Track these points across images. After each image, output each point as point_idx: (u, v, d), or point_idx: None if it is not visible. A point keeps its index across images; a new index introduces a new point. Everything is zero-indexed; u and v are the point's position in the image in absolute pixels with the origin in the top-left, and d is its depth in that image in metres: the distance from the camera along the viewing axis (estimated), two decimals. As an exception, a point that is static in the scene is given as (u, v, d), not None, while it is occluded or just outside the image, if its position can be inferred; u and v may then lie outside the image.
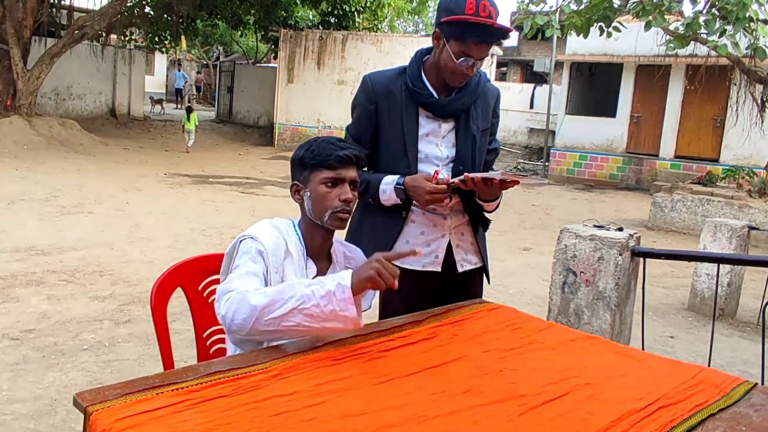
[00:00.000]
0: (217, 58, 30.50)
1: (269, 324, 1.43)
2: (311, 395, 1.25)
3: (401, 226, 2.05)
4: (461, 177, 1.90)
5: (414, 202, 2.01)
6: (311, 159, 1.70)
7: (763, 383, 2.29)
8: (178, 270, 1.89)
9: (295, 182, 1.75)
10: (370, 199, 2.03)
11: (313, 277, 1.71)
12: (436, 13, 2.00)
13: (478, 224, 2.14)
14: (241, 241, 1.65)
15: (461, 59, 1.91)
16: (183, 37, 18.51)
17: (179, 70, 28.18)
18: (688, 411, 1.34)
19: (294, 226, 1.75)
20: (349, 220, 1.78)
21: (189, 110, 14.65)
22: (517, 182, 1.87)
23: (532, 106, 19.65)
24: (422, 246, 2.05)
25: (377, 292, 1.91)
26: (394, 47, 15.99)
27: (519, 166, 16.33)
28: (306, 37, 16.63)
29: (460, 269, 2.10)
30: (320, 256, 1.75)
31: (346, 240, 2.03)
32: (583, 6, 8.27)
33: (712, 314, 4.31)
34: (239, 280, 1.53)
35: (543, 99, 17.85)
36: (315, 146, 1.71)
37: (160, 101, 23.36)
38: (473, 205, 2.09)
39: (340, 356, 1.45)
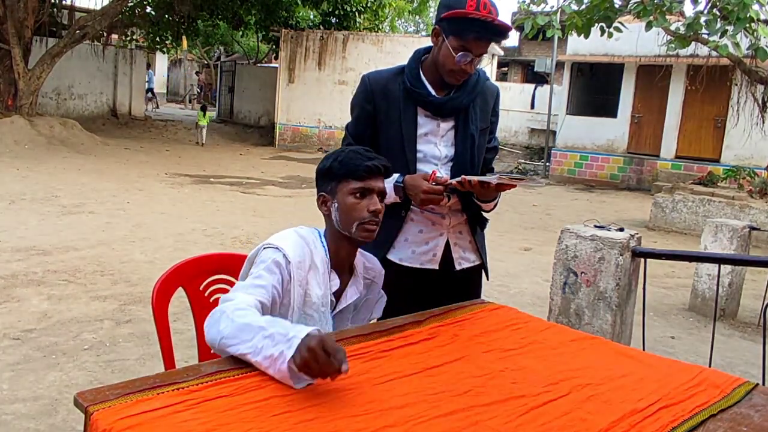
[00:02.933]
0: (218, 58, 30.47)
1: (228, 353, 1.38)
2: (311, 395, 1.25)
3: (400, 225, 2.06)
4: (459, 179, 1.92)
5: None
6: (339, 169, 1.66)
7: (764, 384, 2.29)
8: (179, 270, 1.89)
9: (322, 193, 1.72)
10: None
11: (335, 291, 1.71)
12: (436, 12, 2.00)
13: (476, 223, 2.15)
14: (264, 249, 1.63)
15: (460, 54, 1.91)
16: (184, 37, 18.52)
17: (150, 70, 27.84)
18: (689, 411, 1.34)
19: (320, 236, 1.73)
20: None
21: (204, 108, 15.44)
22: (513, 185, 1.89)
23: (533, 107, 19.62)
24: (421, 244, 2.07)
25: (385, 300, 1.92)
26: (395, 47, 15.98)
27: (520, 167, 16.32)
28: (307, 37, 16.64)
29: (458, 267, 2.11)
30: (343, 269, 1.74)
31: None
32: (584, 6, 8.27)
33: (713, 315, 4.30)
34: (241, 292, 1.51)
35: (544, 99, 17.83)
36: (343, 157, 1.68)
37: (151, 99, 23.81)
38: (471, 205, 2.09)
39: (340, 356, 1.45)
